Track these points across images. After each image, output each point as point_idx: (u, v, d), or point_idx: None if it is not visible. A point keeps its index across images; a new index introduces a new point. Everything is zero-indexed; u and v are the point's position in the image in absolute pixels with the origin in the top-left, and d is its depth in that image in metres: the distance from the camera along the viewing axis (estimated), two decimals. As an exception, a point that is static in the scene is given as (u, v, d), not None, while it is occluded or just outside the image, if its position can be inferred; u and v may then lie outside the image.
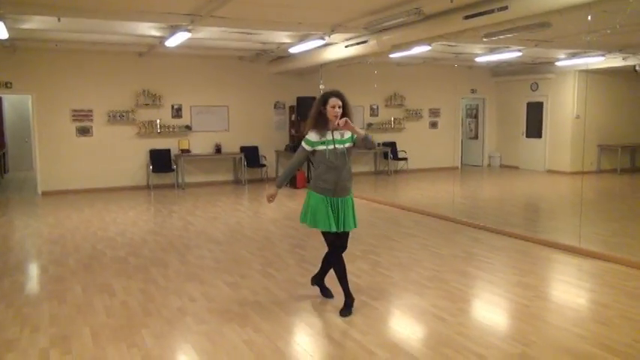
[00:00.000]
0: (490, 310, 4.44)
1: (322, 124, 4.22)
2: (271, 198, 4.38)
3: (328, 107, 4.16)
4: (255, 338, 3.80)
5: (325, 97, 4.22)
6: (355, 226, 4.34)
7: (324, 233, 4.31)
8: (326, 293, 4.65)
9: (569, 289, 4.91)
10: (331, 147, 4.20)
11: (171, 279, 5.24)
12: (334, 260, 4.36)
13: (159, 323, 4.10)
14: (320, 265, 4.64)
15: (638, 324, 4.00)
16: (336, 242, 4.31)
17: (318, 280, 4.69)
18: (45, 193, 10.99)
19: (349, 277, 5.11)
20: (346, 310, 4.27)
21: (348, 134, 4.27)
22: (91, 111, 11.28)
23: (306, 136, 4.30)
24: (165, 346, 3.71)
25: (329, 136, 4.22)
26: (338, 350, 3.61)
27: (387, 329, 4.09)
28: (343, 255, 4.39)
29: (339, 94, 4.23)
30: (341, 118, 4.14)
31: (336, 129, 4.23)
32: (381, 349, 3.60)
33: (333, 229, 4.18)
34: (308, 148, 4.28)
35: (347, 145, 4.25)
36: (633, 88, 14.06)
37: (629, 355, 3.47)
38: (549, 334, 3.83)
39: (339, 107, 4.16)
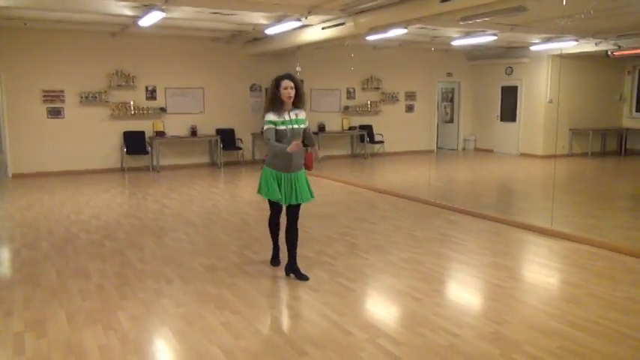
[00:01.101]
0: (465, 291, 4.53)
1: (278, 105, 4.51)
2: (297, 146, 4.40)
3: (281, 89, 4.47)
4: (233, 320, 3.81)
5: (278, 80, 4.52)
6: (313, 197, 4.76)
7: (271, 204, 4.75)
8: (301, 276, 4.68)
9: (541, 270, 5.04)
10: (290, 127, 4.51)
11: (147, 262, 5.21)
12: (274, 225, 4.91)
13: (135, 306, 4.08)
14: (287, 252, 4.75)
15: (604, 301, 4.14)
16: (287, 212, 4.74)
17: (291, 266, 4.76)
18: (16, 176, 10.76)
19: (325, 258, 5.22)
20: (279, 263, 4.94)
21: (302, 116, 4.62)
22: (62, 92, 11.03)
23: (266, 119, 4.51)
24: (142, 329, 3.70)
25: (286, 117, 4.52)
26: (315, 331, 3.65)
27: (364, 310, 4.15)
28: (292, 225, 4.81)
29: (291, 76, 4.57)
30: (294, 99, 4.52)
31: (292, 110, 4.52)
32: (358, 329, 3.65)
33: (283, 202, 4.62)
34: (272, 126, 4.49)
35: (301, 126, 4.61)
36: (605, 74, 14.33)
37: (595, 331, 3.59)
38: (521, 313, 3.94)
39: (291, 88, 4.47)
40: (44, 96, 10.89)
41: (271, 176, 4.57)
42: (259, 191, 4.68)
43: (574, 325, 3.69)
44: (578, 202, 8.35)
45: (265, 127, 4.50)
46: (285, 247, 4.78)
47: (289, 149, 4.34)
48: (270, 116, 4.49)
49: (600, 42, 11.62)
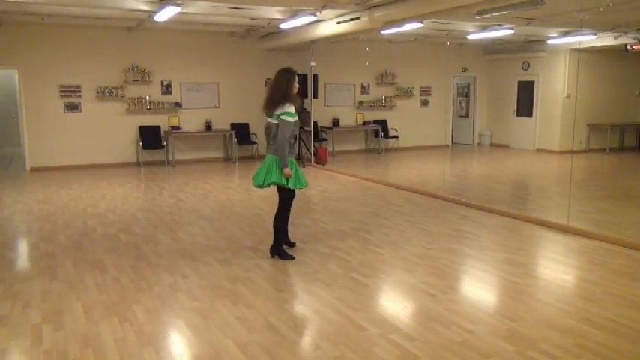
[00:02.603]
0: (479, 287, 4.51)
1: (294, 97, 4.81)
2: (289, 175, 4.88)
3: (295, 83, 4.83)
4: (247, 314, 3.83)
5: (294, 74, 4.84)
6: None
7: (291, 194, 5.03)
8: (288, 256, 5.12)
9: (557, 267, 4.99)
10: (293, 120, 4.81)
11: (162, 256, 5.26)
12: (288, 215, 5.13)
13: (151, 299, 4.12)
14: (274, 235, 5.15)
15: (621, 299, 4.09)
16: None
17: (280, 247, 5.15)
18: (33, 170, 10.91)
19: (339, 253, 5.25)
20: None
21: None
22: (79, 86, 11.14)
23: (288, 110, 4.74)
24: (157, 322, 3.73)
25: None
26: (329, 326, 3.66)
27: (378, 305, 4.15)
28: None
29: None
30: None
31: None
32: (371, 324, 3.65)
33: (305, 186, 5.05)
34: (292, 119, 4.76)
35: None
36: (623, 68, 14.11)
37: (611, 329, 3.55)
38: (536, 310, 3.91)
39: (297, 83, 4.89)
40: (61, 91, 11.01)
41: (295, 167, 4.96)
42: (295, 185, 4.91)
43: (590, 323, 3.65)
44: (596, 199, 8.25)
45: (285, 118, 4.72)
46: (274, 232, 5.14)
47: (285, 172, 4.79)
48: (292, 108, 4.76)
49: (619, 36, 11.43)
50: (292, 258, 5.09)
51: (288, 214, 5.15)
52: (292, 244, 5.43)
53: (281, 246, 5.15)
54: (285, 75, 4.80)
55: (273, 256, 5.14)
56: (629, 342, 3.40)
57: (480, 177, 10.99)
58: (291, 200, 5.11)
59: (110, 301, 4.09)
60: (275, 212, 5.16)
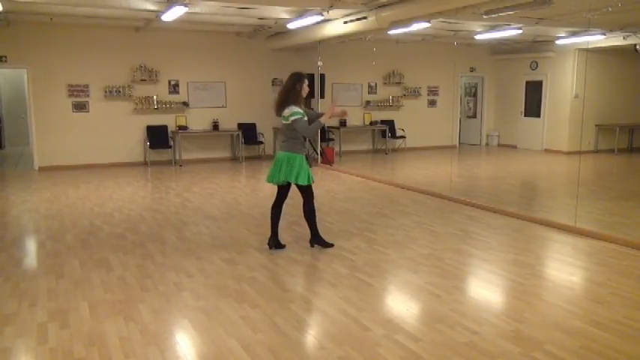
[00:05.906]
0: (485, 288, 4.48)
1: (300, 99, 5.09)
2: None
3: (305, 86, 5.07)
4: (252, 314, 3.83)
5: (303, 78, 5.08)
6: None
7: (310, 187, 5.17)
8: (327, 244, 5.41)
9: (564, 268, 4.96)
10: (305, 118, 5.03)
11: (168, 255, 5.27)
12: (313, 203, 5.28)
13: (156, 298, 4.13)
14: (308, 226, 5.35)
15: (630, 301, 4.06)
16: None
17: (318, 237, 5.39)
18: (42, 169, 10.97)
19: (345, 253, 5.24)
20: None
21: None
22: (87, 86, 11.19)
23: (295, 110, 4.98)
24: (162, 321, 3.74)
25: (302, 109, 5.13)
26: (333, 326, 3.65)
27: (383, 305, 4.14)
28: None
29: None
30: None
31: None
32: (376, 325, 3.64)
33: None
34: (304, 117, 5.02)
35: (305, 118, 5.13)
36: (632, 68, 13.99)
37: (619, 331, 3.52)
38: (543, 312, 3.88)
39: (307, 86, 5.12)
40: (69, 90, 11.07)
41: (304, 161, 5.11)
42: (311, 180, 5.12)
43: (597, 325, 3.62)
44: (604, 200, 8.19)
45: (296, 117, 4.97)
46: (308, 224, 5.35)
47: (325, 119, 5.13)
48: (298, 109, 5.01)
49: (628, 36, 11.34)
50: (332, 245, 5.40)
51: (313, 201, 5.29)
52: (282, 246, 5.44)
53: (318, 235, 5.37)
54: (293, 78, 5.10)
55: (312, 246, 5.40)
56: (636, 344, 3.37)
57: (487, 177, 10.94)
58: (312, 191, 5.26)
59: (115, 299, 4.11)
60: (302, 207, 5.27)
